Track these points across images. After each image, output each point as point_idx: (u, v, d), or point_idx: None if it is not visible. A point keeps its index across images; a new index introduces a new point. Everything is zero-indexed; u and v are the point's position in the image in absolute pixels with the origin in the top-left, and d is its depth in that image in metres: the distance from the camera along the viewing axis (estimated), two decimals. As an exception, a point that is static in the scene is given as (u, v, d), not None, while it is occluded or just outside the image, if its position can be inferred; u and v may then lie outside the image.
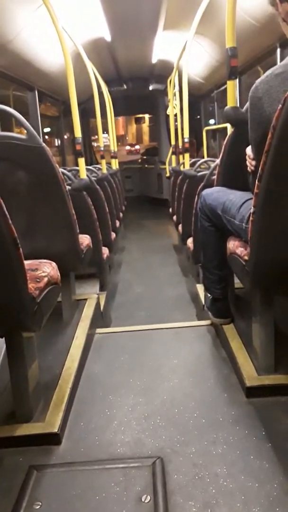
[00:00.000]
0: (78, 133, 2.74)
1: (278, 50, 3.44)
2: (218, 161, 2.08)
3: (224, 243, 1.82)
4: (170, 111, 6.22)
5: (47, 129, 6.72)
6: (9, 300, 1.26)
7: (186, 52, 3.83)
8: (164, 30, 4.77)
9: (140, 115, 13.83)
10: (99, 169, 4.61)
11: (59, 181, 1.87)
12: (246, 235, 1.47)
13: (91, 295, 2.52)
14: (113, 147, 6.33)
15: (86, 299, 2.44)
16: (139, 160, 10.14)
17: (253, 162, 1.48)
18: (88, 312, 2.28)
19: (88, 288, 2.91)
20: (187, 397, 1.61)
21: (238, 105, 1.99)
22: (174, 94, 5.58)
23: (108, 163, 5.75)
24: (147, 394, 1.65)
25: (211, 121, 6.59)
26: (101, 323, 2.48)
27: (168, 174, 6.81)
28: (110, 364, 1.91)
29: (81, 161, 2.80)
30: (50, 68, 4.28)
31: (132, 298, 3.54)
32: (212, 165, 2.77)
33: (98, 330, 2.26)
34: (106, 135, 7.61)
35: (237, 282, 2.19)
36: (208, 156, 5.84)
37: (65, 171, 2.83)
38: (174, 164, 5.84)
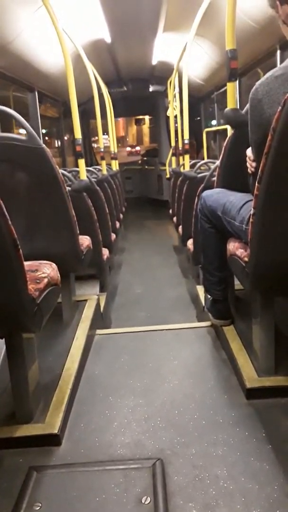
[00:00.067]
0: (78, 134, 2.74)
1: (278, 52, 3.45)
2: (218, 162, 2.08)
3: (224, 245, 1.82)
4: (170, 113, 6.22)
5: (43, 131, 6.71)
6: (9, 301, 1.26)
7: (186, 53, 3.83)
8: (164, 32, 4.77)
9: (140, 117, 13.83)
10: (99, 170, 4.61)
11: (59, 182, 1.87)
12: (246, 237, 1.47)
13: (91, 296, 2.52)
14: (113, 148, 6.34)
15: (86, 300, 2.44)
16: (139, 162, 10.15)
17: (254, 164, 1.48)
18: (88, 313, 2.28)
19: (88, 289, 2.90)
20: (187, 399, 1.61)
21: (238, 107, 1.99)
22: (174, 96, 5.58)
23: (108, 164, 5.75)
24: (147, 395, 1.65)
25: (213, 122, 6.59)
26: (101, 324, 2.47)
27: (168, 176, 6.81)
28: (110, 365, 1.91)
29: (81, 162, 2.80)
30: (50, 69, 4.28)
31: (132, 299, 3.54)
32: (212, 166, 2.77)
33: (98, 331, 2.26)
34: (106, 136, 7.62)
35: (237, 284, 2.19)
36: (208, 157, 5.85)
37: (65, 172, 2.83)
38: (174, 165, 5.84)
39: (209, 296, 2.07)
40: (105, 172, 4.63)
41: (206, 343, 2.05)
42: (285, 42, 3.26)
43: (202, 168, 3.65)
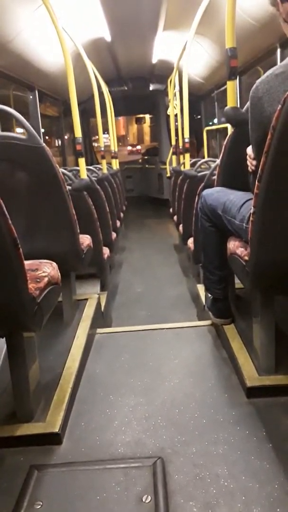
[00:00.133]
0: (78, 133, 2.74)
1: (278, 50, 3.45)
2: (218, 161, 2.08)
3: (224, 243, 1.82)
4: (170, 111, 6.22)
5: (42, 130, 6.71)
6: (9, 300, 1.26)
7: (186, 52, 3.83)
8: (164, 30, 4.77)
9: (141, 115, 13.80)
10: (100, 169, 4.61)
11: (59, 181, 1.87)
12: (247, 235, 1.47)
13: (91, 295, 2.52)
14: (114, 147, 6.33)
15: (86, 299, 2.44)
16: (140, 160, 10.14)
17: (254, 162, 1.48)
18: (88, 312, 2.28)
19: (89, 288, 2.91)
20: (188, 397, 1.61)
21: (238, 105, 1.99)
22: (175, 94, 5.58)
23: (109, 163, 5.75)
24: (148, 394, 1.65)
25: (215, 121, 6.57)
26: (101, 323, 2.47)
27: (168, 174, 6.81)
28: (111, 364, 1.91)
29: (82, 161, 2.80)
30: (50, 68, 4.28)
31: (133, 298, 3.54)
32: (213, 165, 2.77)
33: (99, 330, 2.26)
34: (106, 135, 7.61)
35: (237, 282, 2.19)
36: (208, 156, 5.84)
37: (65, 171, 2.83)
38: (174, 164, 5.84)
39: (209, 295, 2.07)
40: (105, 171, 4.63)
41: (206, 342, 2.05)
42: (286, 40, 3.26)
43: (202, 166, 3.65)
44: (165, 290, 3.63)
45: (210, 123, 6.73)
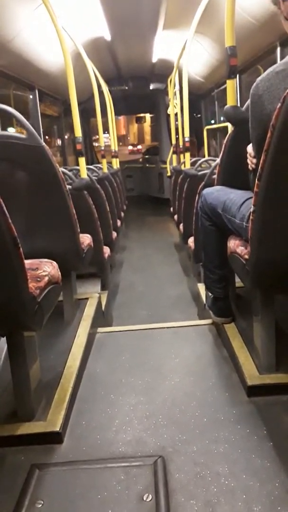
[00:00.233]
0: (78, 132, 2.74)
1: (278, 49, 3.44)
2: (218, 160, 2.08)
3: (224, 242, 1.82)
4: (170, 110, 6.22)
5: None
6: (9, 299, 1.27)
7: (186, 51, 3.82)
8: (164, 29, 4.77)
9: (141, 115, 13.80)
10: (100, 168, 4.61)
11: (60, 181, 1.87)
12: (247, 234, 1.47)
13: (92, 294, 2.52)
14: (114, 146, 6.33)
15: (87, 299, 2.44)
16: (140, 160, 10.13)
17: (254, 160, 1.48)
18: (89, 311, 2.28)
19: (90, 287, 2.91)
20: (189, 396, 1.61)
21: (238, 104, 1.99)
22: (175, 93, 5.57)
23: (109, 163, 5.75)
24: (149, 393, 1.65)
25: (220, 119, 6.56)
26: (102, 322, 2.48)
27: (169, 173, 6.81)
28: (111, 363, 1.91)
29: (82, 160, 2.80)
30: (50, 68, 4.28)
31: (134, 297, 3.54)
32: (213, 164, 2.77)
33: (100, 329, 2.26)
34: (107, 134, 7.61)
35: (238, 281, 2.19)
36: (209, 155, 5.84)
37: (65, 171, 2.83)
38: (175, 163, 5.83)
39: (210, 294, 2.07)
40: (105, 170, 4.62)
41: (207, 341, 2.05)
42: (286, 39, 3.25)
43: (202, 165, 3.65)
44: (166, 289, 3.63)
45: (213, 121, 6.71)
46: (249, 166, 1.55)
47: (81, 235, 2.15)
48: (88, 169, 3.75)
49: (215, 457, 1.29)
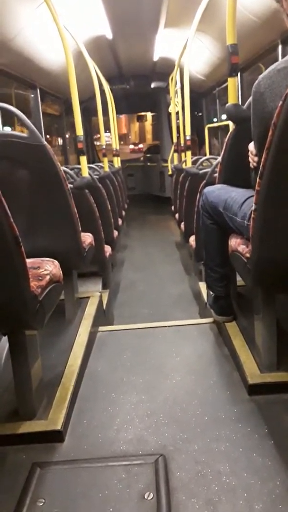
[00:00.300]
0: (80, 131, 2.74)
1: (280, 47, 3.43)
2: (219, 158, 2.08)
3: (226, 241, 1.82)
4: (172, 109, 6.21)
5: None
6: (11, 298, 1.27)
7: (187, 49, 3.82)
8: (165, 28, 4.76)
9: (142, 113, 13.79)
10: (101, 167, 4.61)
11: (61, 179, 1.87)
12: (248, 233, 1.47)
13: (93, 293, 2.52)
14: (115, 145, 6.33)
15: (88, 297, 2.44)
16: (141, 158, 10.13)
17: (256, 158, 1.48)
18: (90, 310, 2.28)
19: (91, 286, 2.91)
20: (190, 395, 1.61)
21: (240, 102, 1.99)
22: (176, 92, 5.57)
23: (110, 161, 5.75)
24: (150, 392, 1.65)
25: (223, 117, 6.54)
26: (103, 321, 2.48)
27: (170, 172, 6.80)
28: (112, 361, 1.92)
29: (83, 159, 2.80)
30: (52, 67, 4.28)
31: (135, 296, 3.54)
32: (214, 162, 2.77)
33: (101, 328, 2.26)
34: (108, 133, 7.61)
35: (239, 280, 2.19)
36: (210, 153, 5.83)
37: (67, 169, 2.83)
38: (176, 162, 5.83)
39: (211, 293, 2.07)
40: (107, 169, 4.62)
41: (208, 339, 2.05)
42: (287, 37, 3.24)
43: (204, 164, 3.64)
44: (167, 288, 3.63)
45: (215, 120, 6.70)
46: (251, 164, 1.55)
47: (82, 233, 2.15)
48: (90, 168, 3.75)
49: (216, 455, 1.29)
